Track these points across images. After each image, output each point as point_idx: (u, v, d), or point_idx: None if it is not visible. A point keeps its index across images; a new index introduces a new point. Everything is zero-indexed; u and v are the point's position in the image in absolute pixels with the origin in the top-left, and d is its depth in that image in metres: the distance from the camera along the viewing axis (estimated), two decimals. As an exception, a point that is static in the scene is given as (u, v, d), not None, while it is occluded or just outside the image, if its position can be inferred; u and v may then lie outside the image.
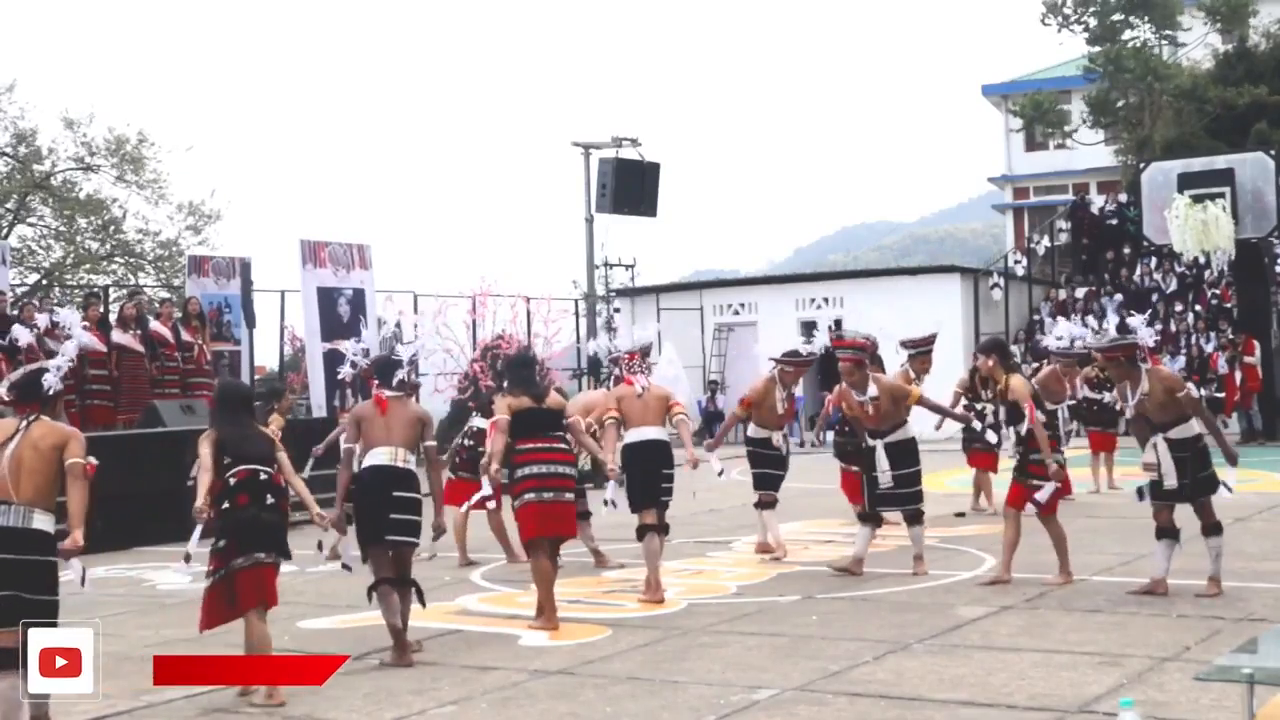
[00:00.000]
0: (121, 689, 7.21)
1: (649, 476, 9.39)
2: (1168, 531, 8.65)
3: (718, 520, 13.97)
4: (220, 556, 6.96)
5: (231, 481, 6.95)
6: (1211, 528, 8.67)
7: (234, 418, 7.21)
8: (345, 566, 8.07)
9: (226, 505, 6.95)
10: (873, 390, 9.93)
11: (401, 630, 7.75)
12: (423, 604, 7.97)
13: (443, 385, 20.13)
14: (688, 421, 9.69)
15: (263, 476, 6.99)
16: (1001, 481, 11.00)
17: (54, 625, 6.16)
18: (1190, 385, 8.63)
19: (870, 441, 9.98)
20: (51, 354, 12.74)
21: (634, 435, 9.44)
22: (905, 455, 9.98)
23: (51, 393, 6.37)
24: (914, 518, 10.14)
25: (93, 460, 6.24)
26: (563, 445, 8.50)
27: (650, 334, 9.98)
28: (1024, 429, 9.15)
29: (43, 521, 6.11)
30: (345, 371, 8.86)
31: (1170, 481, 8.52)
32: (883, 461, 9.89)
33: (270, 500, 6.97)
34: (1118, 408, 13.43)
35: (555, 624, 8.32)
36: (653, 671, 7.05)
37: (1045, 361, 14.88)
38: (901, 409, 10.01)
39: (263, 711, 6.63)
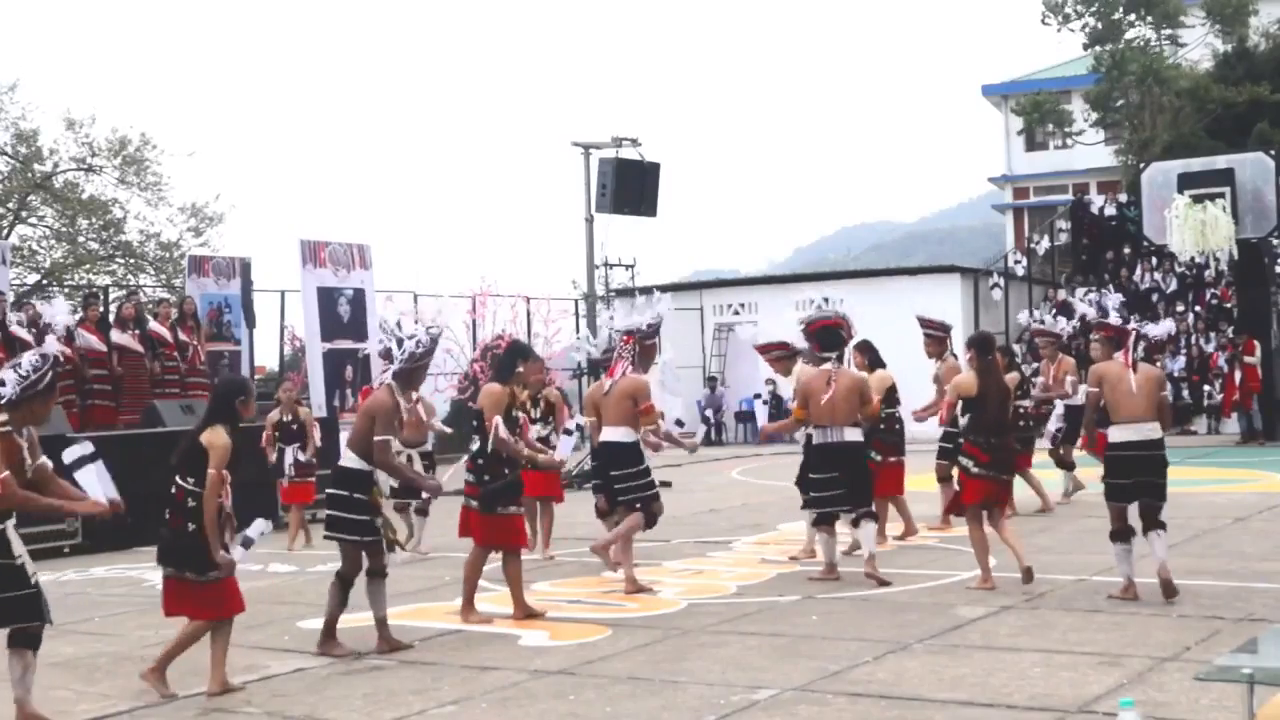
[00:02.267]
0: (121, 689, 7.21)
1: (605, 478, 9.59)
2: (1141, 529, 8.60)
3: (718, 520, 13.96)
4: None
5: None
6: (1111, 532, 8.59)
7: (204, 415, 7.20)
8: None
9: None
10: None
11: (382, 622, 7.87)
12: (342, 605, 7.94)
13: (443, 385, 20.15)
14: (657, 427, 9.53)
15: (172, 490, 6.98)
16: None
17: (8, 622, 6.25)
18: (1093, 391, 8.55)
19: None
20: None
21: (601, 435, 9.62)
22: (817, 458, 9.77)
23: (4, 401, 6.28)
24: (816, 520, 10.04)
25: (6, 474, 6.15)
26: (472, 449, 8.56)
27: (647, 318, 9.76)
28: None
29: None
30: (367, 351, 8.91)
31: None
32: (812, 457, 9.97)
33: (166, 516, 6.97)
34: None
35: (464, 615, 8.54)
36: (653, 671, 7.04)
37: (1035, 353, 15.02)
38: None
39: (263, 712, 6.63)
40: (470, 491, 8.52)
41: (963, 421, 9.34)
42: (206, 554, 6.90)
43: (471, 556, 8.68)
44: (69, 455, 6.61)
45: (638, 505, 9.46)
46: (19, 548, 6.29)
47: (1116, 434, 8.46)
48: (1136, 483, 8.42)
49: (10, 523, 6.27)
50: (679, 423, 10.69)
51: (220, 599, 7.01)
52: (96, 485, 6.54)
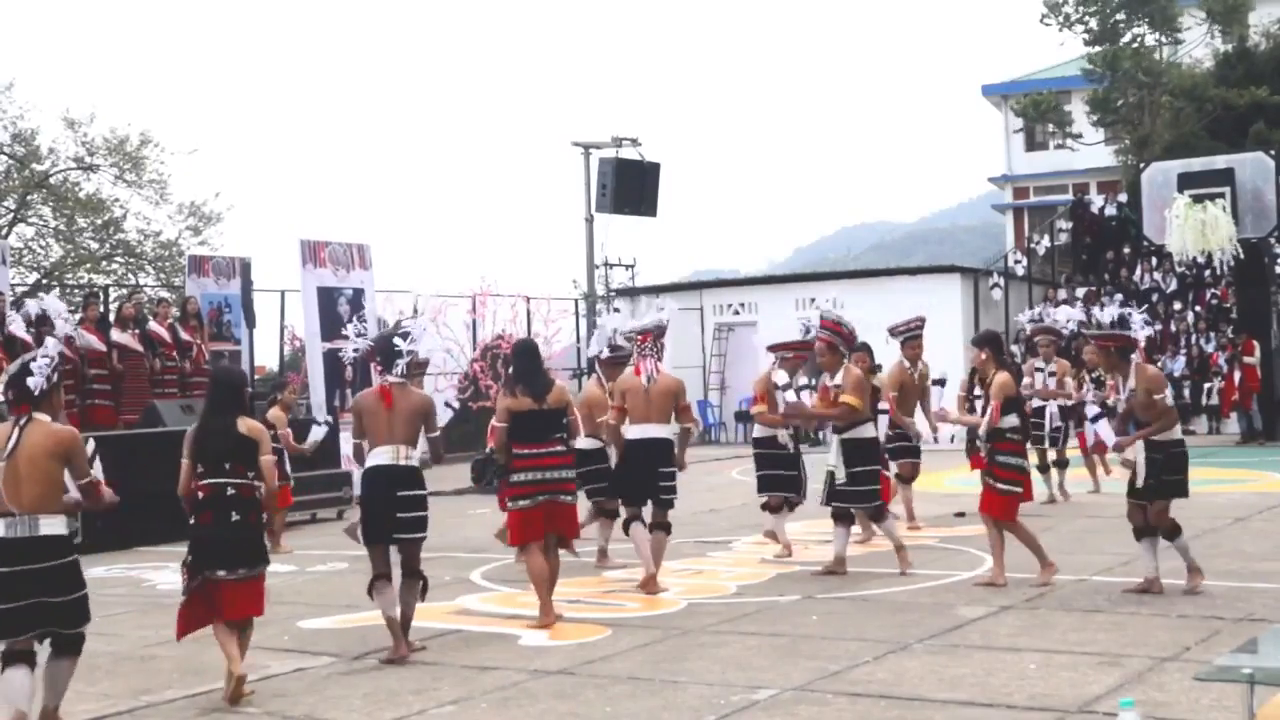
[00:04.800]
0: (121, 689, 7.21)
1: (647, 474, 9.39)
2: (1144, 530, 8.65)
3: (718, 520, 13.96)
4: (189, 570, 6.86)
5: (200, 496, 6.81)
6: (1168, 532, 8.62)
7: (214, 411, 7.02)
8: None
9: (193, 520, 6.83)
10: (839, 378, 9.97)
11: (398, 621, 7.78)
12: (422, 598, 7.94)
13: (443, 385, 20.13)
14: (693, 431, 9.54)
15: (229, 492, 6.79)
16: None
17: (84, 622, 6.29)
18: (1168, 393, 8.69)
19: (830, 435, 10.09)
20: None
21: (635, 431, 9.43)
22: (862, 453, 9.88)
23: (38, 392, 6.25)
24: (875, 515, 10.18)
25: (99, 477, 6.20)
26: (560, 448, 8.40)
27: (664, 315, 9.80)
28: (985, 427, 9.20)
29: (50, 526, 6.08)
30: (347, 354, 8.75)
31: (1139, 480, 8.59)
32: (836, 457, 9.90)
33: (235, 517, 6.78)
34: (1109, 401, 13.45)
35: (549, 621, 8.33)
36: (653, 671, 7.04)
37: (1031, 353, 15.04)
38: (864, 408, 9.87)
39: (263, 712, 6.63)
40: (574, 487, 8.51)
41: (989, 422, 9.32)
42: (260, 544, 6.90)
43: (535, 555, 8.44)
44: None
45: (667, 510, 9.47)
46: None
47: (1177, 432, 8.68)
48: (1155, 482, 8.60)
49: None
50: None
51: (263, 594, 7.02)
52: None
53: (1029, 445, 13.87)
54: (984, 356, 9.44)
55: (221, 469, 6.81)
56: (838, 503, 10.03)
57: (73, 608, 6.18)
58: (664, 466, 9.38)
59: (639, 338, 9.58)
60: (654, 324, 9.59)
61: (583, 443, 10.67)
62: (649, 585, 9.35)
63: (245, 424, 6.90)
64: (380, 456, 7.78)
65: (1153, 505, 8.59)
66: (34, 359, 6.36)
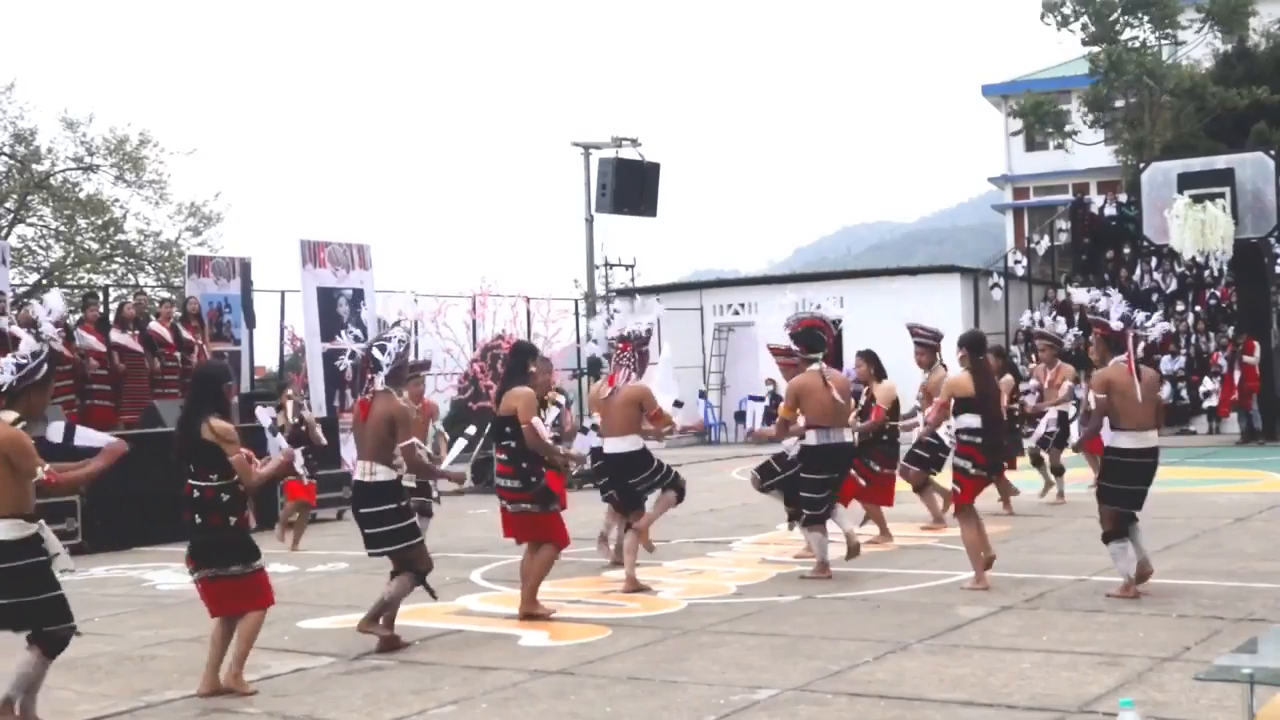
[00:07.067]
0: (121, 689, 7.21)
1: (621, 488, 9.62)
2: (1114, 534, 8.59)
3: (718, 520, 13.97)
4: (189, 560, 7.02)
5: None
6: (1104, 534, 8.53)
7: (186, 410, 7.07)
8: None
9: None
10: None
11: (376, 605, 7.92)
12: (433, 596, 8.13)
13: (443, 385, 20.13)
14: (673, 430, 9.76)
15: (195, 494, 6.84)
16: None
17: (22, 627, 6.18)
18: (1101, 398, 8.37)
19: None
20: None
21: (605, 445, 9.62)
22: (807, 460, 9.77)
23: (5, 389, 6.20)
24: (795, 517, 10.16)
25: (48, 467, 6.13)
26: (502, 456, 8.54)
27: (643, 324, 9.76)
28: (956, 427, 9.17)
29: (3, 530, 6.03)
30: (344, 362, 8.72)
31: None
32: (792, 452, 10.04)
33: (197, 519, 6.84)
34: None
35: (522, 613, 8.61)
36: (653, 671, 7.04)
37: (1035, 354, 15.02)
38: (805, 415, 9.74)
39: (263, 712, 6.63)
40: (520, 496, 8.51)
41: (954, 422, 9.23)
42: (250, 544, 6.92)
43: (536, 556, 8.64)
44: (54, 433, 6.51)
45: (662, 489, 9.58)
46: (55, 546, 6.27)
47: (1122, 440, 8.42)
48: (1135, 490, 8.46)
49: (41, 521, 6.24)
50: (678, 404, 10.84)
51: (265, 587, 7.02)
52: (97, 438, 6.52)
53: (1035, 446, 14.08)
54: (960, 354, 9.41)
55: (187, 470, 6.88)
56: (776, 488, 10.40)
57: (23, 611, 6.09)
58: (631, 477, 9.46)
59: (619, 346, 9.56)
60: (632, 333, 9.57)
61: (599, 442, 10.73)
62: (628, 585, 9.47)
63: (210, 426, 6.80)
64: (356, 471, 8.04)
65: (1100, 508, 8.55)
66: (13, 355, 6.34)
